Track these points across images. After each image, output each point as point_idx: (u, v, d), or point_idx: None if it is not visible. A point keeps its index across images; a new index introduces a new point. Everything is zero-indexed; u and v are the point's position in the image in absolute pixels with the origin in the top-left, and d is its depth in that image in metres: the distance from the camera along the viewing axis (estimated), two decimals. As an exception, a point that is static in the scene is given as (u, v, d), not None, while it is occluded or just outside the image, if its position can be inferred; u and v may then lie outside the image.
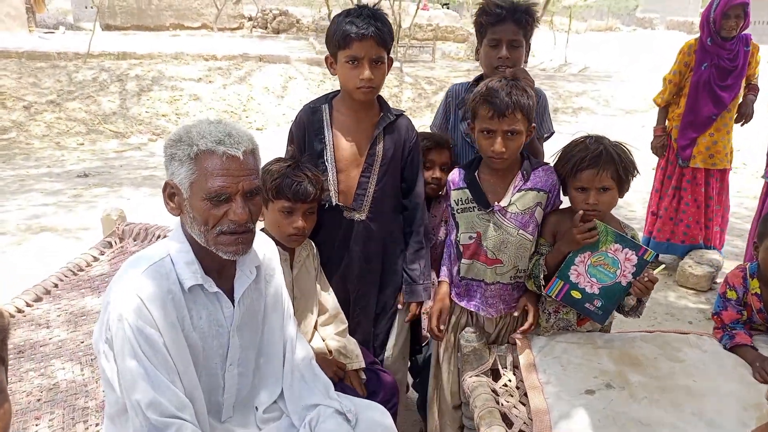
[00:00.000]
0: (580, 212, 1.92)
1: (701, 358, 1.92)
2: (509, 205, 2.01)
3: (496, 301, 2.09)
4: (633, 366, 1.87)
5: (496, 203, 2.01)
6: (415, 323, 2.34)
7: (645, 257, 1.89)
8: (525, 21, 2.25)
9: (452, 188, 2.12)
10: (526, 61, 2.37)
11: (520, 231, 2.00)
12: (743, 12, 3.79)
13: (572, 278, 1.96)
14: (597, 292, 1.96)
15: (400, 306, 2.23)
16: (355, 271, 2.18)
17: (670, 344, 1.99)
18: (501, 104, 1.89)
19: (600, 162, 1.87)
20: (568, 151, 1.96)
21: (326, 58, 2.09)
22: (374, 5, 2.05)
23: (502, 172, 2.03)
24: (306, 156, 2.07)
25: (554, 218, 2.05)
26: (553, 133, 2.50)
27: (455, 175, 2.14)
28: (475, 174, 2.07)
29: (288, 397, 1.69)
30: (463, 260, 2.10)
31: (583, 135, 1.99)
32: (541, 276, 1.97)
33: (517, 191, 2.01)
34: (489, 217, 2.02)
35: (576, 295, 1.98)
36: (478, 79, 2.38)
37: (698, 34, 4.07)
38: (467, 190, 2.06)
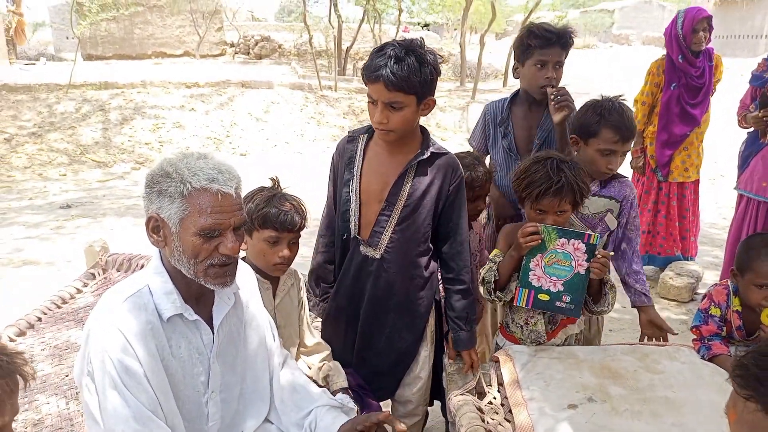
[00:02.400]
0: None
1: (680, 369, 1.96)
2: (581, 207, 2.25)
3: None
4: (614, 379, 1.90)
5: None
6: (437, 371, 2.28)
7: (591, 241, 1.97)
8: (568, 44, 2.44)
9: None
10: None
11: (588, 231, 2.12)
12: (708, 25, 3.97)
13: (534, 283, 2.03)
14: (561, 288, 2.01)
15: (450, 360, 2.14)
16: (363, 308, 2.10)
17: (649, 356, 2.03)
18: (627, 132, 2.19)
19: (562, 192, 1.98)
20: (529, 174, 2.01)
21: None
22: (411, 41, 1.88)
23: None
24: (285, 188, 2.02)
25: (510, 230, 2.15)
26: None
27: None
28: None
29: (282, 411, 1.71)
30: None
31: (542, 155, 2.06)
32: (493, 281, 2.07)
33: (592, 195, 2.19)
34: None
35: (544, 297, 2.03)
36: (514, 96, 2.63)
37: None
38: None
